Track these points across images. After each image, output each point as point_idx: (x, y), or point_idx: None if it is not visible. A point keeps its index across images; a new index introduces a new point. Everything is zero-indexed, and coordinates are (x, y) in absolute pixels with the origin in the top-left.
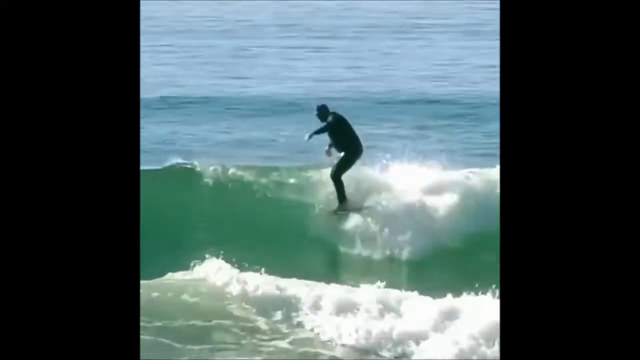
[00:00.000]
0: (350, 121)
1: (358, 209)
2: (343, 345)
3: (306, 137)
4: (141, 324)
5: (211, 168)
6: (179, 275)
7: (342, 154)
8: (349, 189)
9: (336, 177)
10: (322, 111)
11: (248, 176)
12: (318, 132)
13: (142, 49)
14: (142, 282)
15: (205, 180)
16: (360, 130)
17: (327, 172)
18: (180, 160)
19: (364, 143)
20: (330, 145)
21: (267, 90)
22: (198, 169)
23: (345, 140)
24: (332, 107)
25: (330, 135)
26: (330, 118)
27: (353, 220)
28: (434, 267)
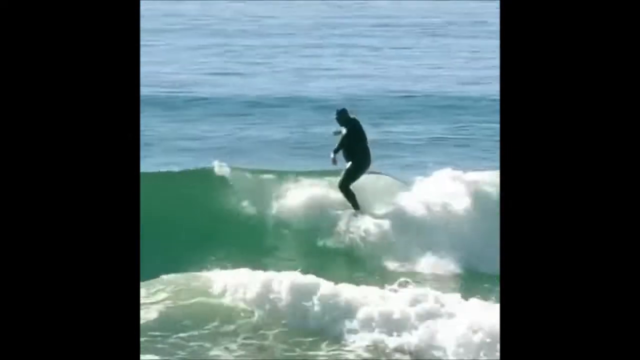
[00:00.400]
0: (375, 119)
1: (374, 215)
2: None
3: (332, 157)
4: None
5: (235, 169)
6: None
7: (349, 163)
8: (371, 193)
9: (344, 187)
10: (342, 115)
11: (273, 178)
12: (338, 148)
13: (165, 47)
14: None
15: (228, 181)
16: (387, 129)
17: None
18: (206, 160)
19: (393, 141)
20: (335, 151)
21: (292, 89)
22: (220, 169)
23: (355, 150)
24: (357, 105)
25: (345, 140)
26: (344, 130)
27: (379, 226)
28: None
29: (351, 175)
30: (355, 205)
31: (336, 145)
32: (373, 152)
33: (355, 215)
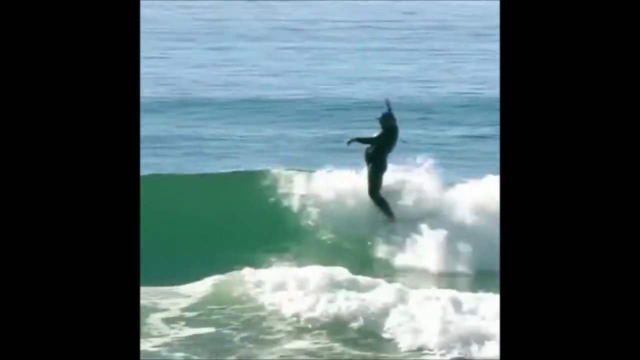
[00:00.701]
0: (421, 122)
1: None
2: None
3: (351, 139)
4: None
5: (284, 169)
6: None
7: (370, 166)
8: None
9: (375, 197)
10: (386, 119)
11: (321, 178)
12: (365, 142)
13: (216, 49)
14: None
15: (277, 181)
16: (432, 133)
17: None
18: (255, 161)
19: (441, 144)
20: (359, 140)
21: (340, 91)
22: (269, 170)
23: (380, 154)
24: (403, 106)
25: (375, 140)
26: (381, 130)
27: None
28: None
29: (374, 181)
30: (388, 212)
31: (366, 137)
32: (421, 149)
33: (390, 222)
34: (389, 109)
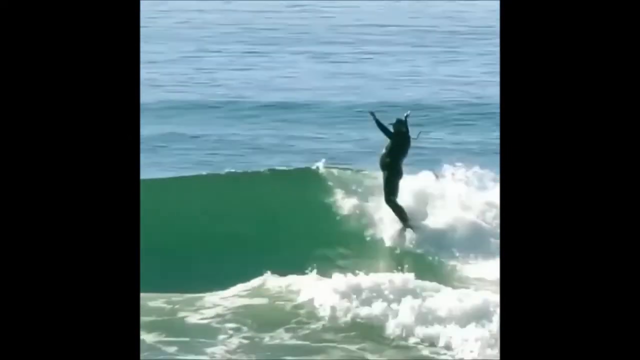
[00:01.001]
0: (465, 123)
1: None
2: None
3: (370, 113)
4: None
5: (333, 170)
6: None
7: (385, 172)
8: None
9: (391, 203)
10: (398, 123)
11: (371, 181)
12: (381, 127)
13: (267, 54)
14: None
15: (323, 181)
16: (478, 133)
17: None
18: (306, 162)
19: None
20: (377, 119)
21: (385, 94)
22: (319, 171)
23: (393, 159)
24: (447, 108)
25: (391, 137)
26: (392, 128)
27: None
28: None
29: (390, 187)
30: (404, 219)
31: (384, 124)
32: (452, 153)
33: (405, 230)
34: (405, 119)
